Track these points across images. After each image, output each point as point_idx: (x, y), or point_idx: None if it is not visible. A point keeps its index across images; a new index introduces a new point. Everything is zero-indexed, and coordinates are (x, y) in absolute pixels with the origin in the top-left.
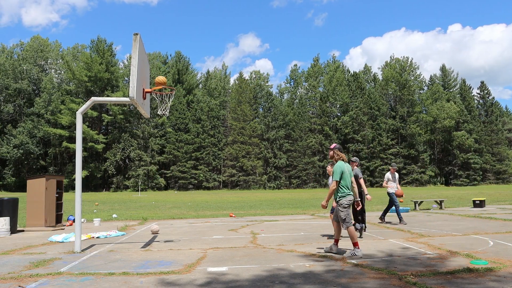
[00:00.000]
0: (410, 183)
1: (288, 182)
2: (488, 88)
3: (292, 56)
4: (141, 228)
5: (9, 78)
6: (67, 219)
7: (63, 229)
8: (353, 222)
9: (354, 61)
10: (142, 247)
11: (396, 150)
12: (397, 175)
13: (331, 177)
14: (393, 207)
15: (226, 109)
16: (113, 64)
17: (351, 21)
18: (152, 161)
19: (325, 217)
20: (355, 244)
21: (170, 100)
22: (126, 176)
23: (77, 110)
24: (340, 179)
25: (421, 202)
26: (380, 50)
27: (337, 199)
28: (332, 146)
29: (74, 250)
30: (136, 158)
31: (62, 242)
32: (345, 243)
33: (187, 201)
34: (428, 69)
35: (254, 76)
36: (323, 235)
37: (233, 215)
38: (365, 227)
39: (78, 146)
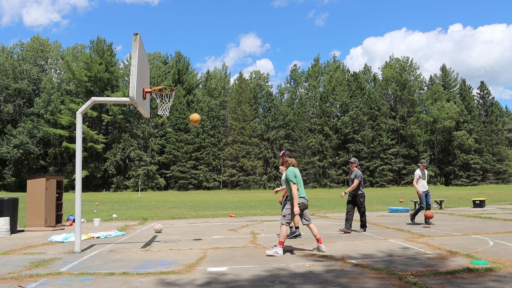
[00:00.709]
0: (410, 183)
1: None
2: (488, 88)
3: (293, 56)
4: (141, 228)
5: (9, 78)
6: (67, 219)
7: (63, 229)
8: (292, 225)
9: (355, 61)
10: (142, 247)
11: (396, 150)
12: (426, 172)
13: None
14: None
15: (226, 109)
16: (113, 64)
17: (352, 21)
18: (152, 161)
19: (325, 217)
20: (280, 243)
21: (170, 100)
22: (126, 176)
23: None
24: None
25: None
26: (380, 50)
27: (288, 199)
28: (281, 154)
29: (74, 250)
30: (136, 158)
31: (62, 242)
32: (346, 243)
33: (187, 201)
34: (428, 69)
35: (254, 76)
36: (324, 235)
37: (233, 215)
38: (366, 228)
39: (78, 146)
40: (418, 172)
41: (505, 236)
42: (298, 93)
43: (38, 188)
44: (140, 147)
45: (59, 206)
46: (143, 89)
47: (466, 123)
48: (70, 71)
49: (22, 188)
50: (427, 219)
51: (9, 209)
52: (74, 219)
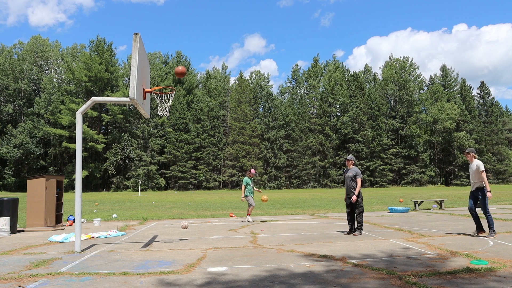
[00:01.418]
0: (410, 183)
1: (288, 182)
2: (488, 88)
3: (297, 56)
4: (141, 228)
5: (9, 78)
6: (67, 219)
7: (63, 229)
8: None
9: (358, 60)
10: (142, 247)
11: (396, 150)
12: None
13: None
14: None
15: (226, 109)
16: (113, 64)
17: (357, 20)
18: (152, 161)
19: (325, 217)
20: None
21: (170, 100)
22: (126, 176)
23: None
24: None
25: (421, 202)
26: (384, 49)
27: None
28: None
29: (74, 250)
30: (136, 158)
31: (62, 242)
32: (346, 243)
33: (187, 201)
34: (432, 69)
35: (254, 76)
36: (324, 235)
37: (233, 215)
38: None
39: (78, 146)
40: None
41: (505, 236)
42: (299, 93)
43: (38, 188)
44: (140, 147)
45: (59, 206)
46: (143, 89)
47: (466, 123)
48: (70, 71)
49: (22, 188)
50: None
51: (9, 209)
52: (74, 219)
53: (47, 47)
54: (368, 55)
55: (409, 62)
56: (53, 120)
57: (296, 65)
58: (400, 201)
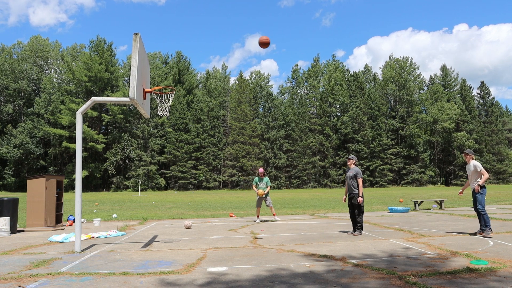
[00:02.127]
0: (410, 183)
1: (288, 182)
2: (488, 88)
3: (298, 56)
4: (141, 228)
5: (9, 78)
6: (67, 219)
7: (63, 229)
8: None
9: (358, 60)
10: (142, 247)
11: (396, 150)
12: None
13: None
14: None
15: (226, 109)
16: (113, 64)
17: (358, 20)
18: (152, 161)
19: (325, 217)
20: None
21: (170, 100)
22: (126, 176)
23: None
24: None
25: (421, 202)
26: (385, 49)
27: None
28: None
29: (74, 250)
30: (136, 158)
31: (62, 242)
32: (346, 243)
33: (187, 201)
34: (432, 69)
35: (254, 76)
36: (324, 235)
37: (233, 215)
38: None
39: (78, 146)
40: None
41: (505, 236)
42: (299, 93)
43: (38, 188)
44: (140, 147)
45: (59, 206)
46: (143, 89)
47: (466, 123)
48: (70, 71)
49: (22, 188)
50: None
51: (9, 209)
52: (74, 219)
53: (46, 47)
54: (369, 55)
55: (408, 62)
56: (53, 120)
57: (296, 65)
58: (400, 201)
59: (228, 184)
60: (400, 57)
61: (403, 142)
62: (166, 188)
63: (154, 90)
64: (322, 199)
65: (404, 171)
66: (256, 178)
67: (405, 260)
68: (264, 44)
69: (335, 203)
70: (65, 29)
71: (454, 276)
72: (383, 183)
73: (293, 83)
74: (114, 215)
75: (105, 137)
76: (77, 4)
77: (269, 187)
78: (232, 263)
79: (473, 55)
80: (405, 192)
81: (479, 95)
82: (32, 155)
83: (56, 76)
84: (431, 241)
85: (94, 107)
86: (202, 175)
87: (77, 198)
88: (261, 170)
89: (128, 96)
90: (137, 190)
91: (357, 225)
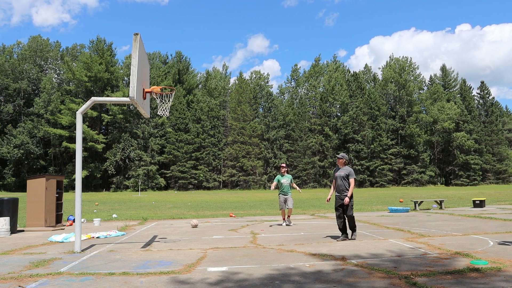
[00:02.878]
0: (410, 183)
1: None
2: (488, 88)
3: (300, 56)
4: (141, 228)
5: (9, 78)
6: (67, 219)
7: (63, 229)
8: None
9: (360, 60)
10: (142, 247)
11: (396, 150)
12: None
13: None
14: None
15: (226, 109)
16: (113, 64)
17: (361, 20)
18: (152, 161)
19: (325, 217)
20: None
21: (170, 100)
22: (126, 176)
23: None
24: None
25: (421, 202)
26: (388, 49)
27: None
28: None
29: (74, 250)
30: (136, 158)
31: (62, 242)
32: (345, 243)
33: (187, 201)
34: (435, 69)
35: (254, 76)
36: (323, 235)
37: (233, 215)
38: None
39: (78, 146)
40: None
41: (505, 236)
42: (299, 93)
43: (38, 188)
44: (140, 147)
45: (59, 206)
46: (143, 89)
47: (466, 123)
48: (70, 71)
49: (22, 188)
50: None
51: (9, 209)
52: (74, 219)
53: (46, 47)
54: (371, 55)
55: (408, 62)
56: (53, 120)
57: (296, 65)
58: (400, 201)
59: (228, 184)
60: (400, 57)
61: (403, 142)
62: (166, 188)
63: (154, 90)
64: (322, 199)
65: (404, 171)
66: (279, 176)
67: (405, 260)
68: None
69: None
70: (68, 29)
71: (454, 276)
72: (383, 183)
73: (292, 83)
74: (114, 215)
75: (105, 137)
76: (80, 4)
77: (294, 185)
78: (232, 263)
79: (475, 55)
80: (405, 192)
81: (479, 95)
82: (32, 155)
83: (56, 76)
84: (431, 241)
85: (94, 107)
86: (202, 175)
87: (77, 198)
88: (283, 165)
89: (128, 96)
90: (137, 190)
91: (351, 230)
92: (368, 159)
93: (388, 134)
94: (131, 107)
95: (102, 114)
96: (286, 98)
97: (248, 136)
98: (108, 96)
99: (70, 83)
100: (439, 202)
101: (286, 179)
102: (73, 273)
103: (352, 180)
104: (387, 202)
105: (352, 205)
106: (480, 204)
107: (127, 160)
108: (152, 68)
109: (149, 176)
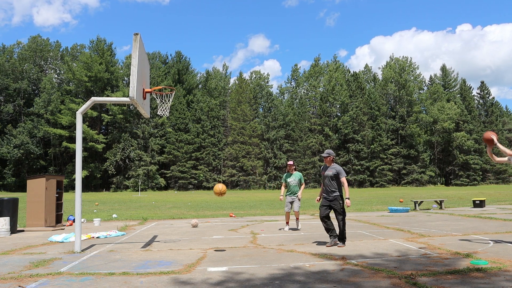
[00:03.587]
0: (410, 183)
1: None
2: (488, 88)
3: (301, 56)
4: (141, 228)
5: (9, 78)
6: (67, 219)
7: (63, 229)
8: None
9: (360, 60)
10: (142, 247)
11: (396, 150)
12: None
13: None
14: None
15: (226, 109)
16: (113, 64)
17: (362, 20)
18: (152, 161)
19: None
20: None
21: (170, 100)
22: (126, 176)
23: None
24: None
25: (421, 202)
26: (388, 49)
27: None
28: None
29: (74, 250)
30: (136, 158)
31: (62, 242)
32: (346, 243)
33: (187, 201)
34: (435, 69)
35: (254, 76)
36: (323, 235)
37: (233, 215)
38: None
39: (78, 146)
40: None
41: (505, 236)
42: (299, 93)
43: (38, 188)
44: (140, 147)
45: (59, 206)
46: (143, 89)
47: (466, 123)
48: (70, 71)
49: (22, 188)
50: None
51: (9, 209)
52: (74, 219)
53: (46, 47)
54: (372, 55)
55: (408, 62)
56: (53, 120)
57: (296, 65)
58: (400, 201)
59: (228, 184)
60: (400, 57)
61: (403, 142)
62: (166, 188)
63: (154, 90)
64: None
65: (404, 171)
66: (285, 175)
67: (406, 260)
68: (487, 140)
69: None
70: (68, 29)
71: (455, 276)
72: (383, 183)
73: (293, 83)
74: (114, 215)
75: (105, 137)
76: (81, 4)
77: (303, 186)
78: (232, 263)
79: (476, 55)
80: (405, 192)
81: (479, 95)
82: (32, 155)
83: (56, 76)
84: (431, 241)
85: (94, 107)
86: (202, 175)
87: (77, 198)
88: (290, 162)
89: (128, 96)
90: (137, 190)
91: (340, 235)
92: (368, 159)
93: (388, 134)
94: (131, 107)
95: (102, 114)
96: (286, 98)
97: (248, 136)
98: (108, 96)
99: (70, 83)
100: (439, 202)
101: (293, 178)
102: (73, 273)
103: (344, 180)
104: (387, 202)
105: (342, 208)
106: (480, 204)
107: (127, 160)
108: (152, 68)
109: (149, 176)
